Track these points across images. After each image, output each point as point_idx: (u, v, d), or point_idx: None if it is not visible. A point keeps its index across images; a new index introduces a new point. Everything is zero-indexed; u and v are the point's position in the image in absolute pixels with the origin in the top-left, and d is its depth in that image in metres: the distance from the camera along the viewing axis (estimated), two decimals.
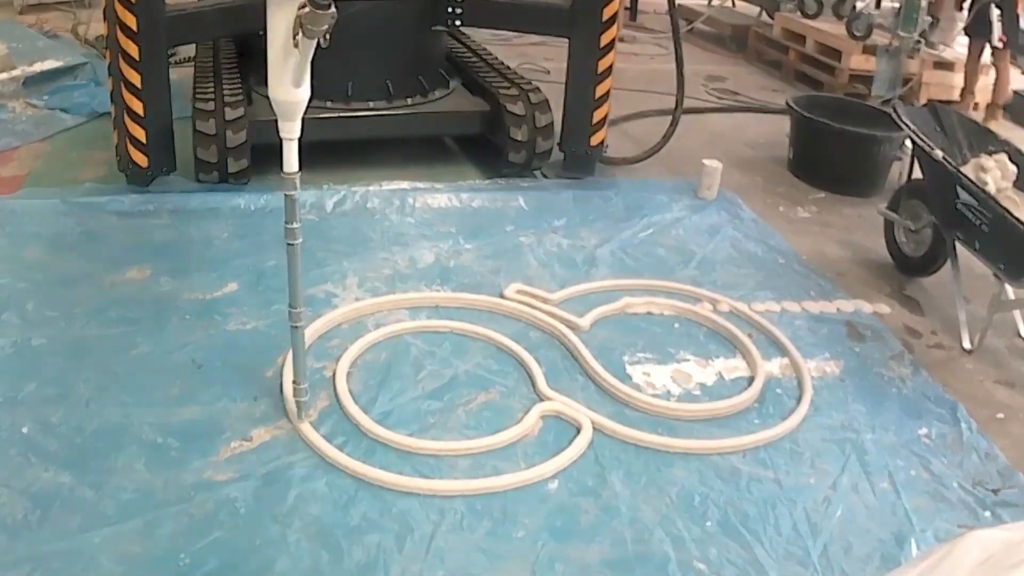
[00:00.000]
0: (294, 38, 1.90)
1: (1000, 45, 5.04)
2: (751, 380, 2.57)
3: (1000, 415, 2.57)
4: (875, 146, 4.10)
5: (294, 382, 2.18)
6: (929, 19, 4.65)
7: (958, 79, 5.55)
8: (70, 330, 2.56)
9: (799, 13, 6.36)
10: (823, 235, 3.72)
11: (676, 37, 4.13)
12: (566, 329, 2.71)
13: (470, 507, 2.01)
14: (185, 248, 3.10)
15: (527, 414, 2.31)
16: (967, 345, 2.88)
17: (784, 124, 4.57)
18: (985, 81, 5.42)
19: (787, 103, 4.37)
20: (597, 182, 3.95)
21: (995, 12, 4.97)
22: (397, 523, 1.95)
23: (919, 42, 4.59)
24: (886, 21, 5.25)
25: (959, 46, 5.69)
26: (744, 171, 4.34)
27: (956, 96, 5.53)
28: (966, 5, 5.39)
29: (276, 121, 4.03)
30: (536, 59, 5.82)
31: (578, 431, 2.27)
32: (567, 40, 3.84)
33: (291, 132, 2.06)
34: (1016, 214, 2.74)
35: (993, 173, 3.04)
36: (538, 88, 3.97)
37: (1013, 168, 3.08)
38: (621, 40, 4.23)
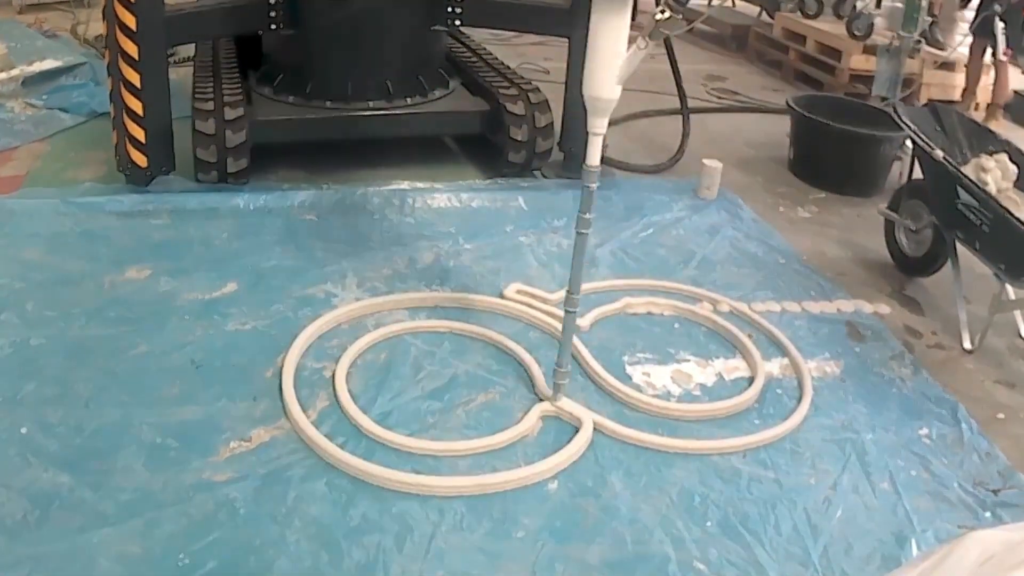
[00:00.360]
0: (641, 39, 2.00)
1: (1004, 58, 5.07)
2: (751, 380, 2.57)
3: (1001, 415, 2.57)
4: (875, 146, 4.10)
5: (558, 365, 2.28)
6: (929, 19, 4.65)
7: (959, 79, 5.55)
8: (69, 330, 2.56)
9: (799, 13, 6.36)
10: (823, 235, 3.72)
11: (680, 86, 4.14)
12: None
13: (470, 507, 2.01)
14: (184, 248, 3.10)
15: (527, 414, 2.30)
16: (968, 345, 2.88)
17: (784, 124, 4.57)
18: (985, 81, 5.42)
19: (787, 103, 4.37)
20: (597, 182, 3.95)
21: (999, 25, 4.99)
22: (397, 523, 1.95)
23: (919, 42, 4.59)
24: (886, 21, 5.25)
25: (961, 46, 5.68)
26: (744, 171, 4.34)
27: (957, 96, 5.53)
28: (971, 4, 5.39)
29: (275, 121, 4.03)
30: (536, 59, 5.81)
31: (577, 430, 2.27)
32: (567, 40, 3.84)
33: (600, 128, 2.13)
34: (1017, 214, 2.73)
35: (994, 173, 3.04)
36: (538, 88, 3.97)
37: (1014, 168, 3.08)
38: None
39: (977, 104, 5.50)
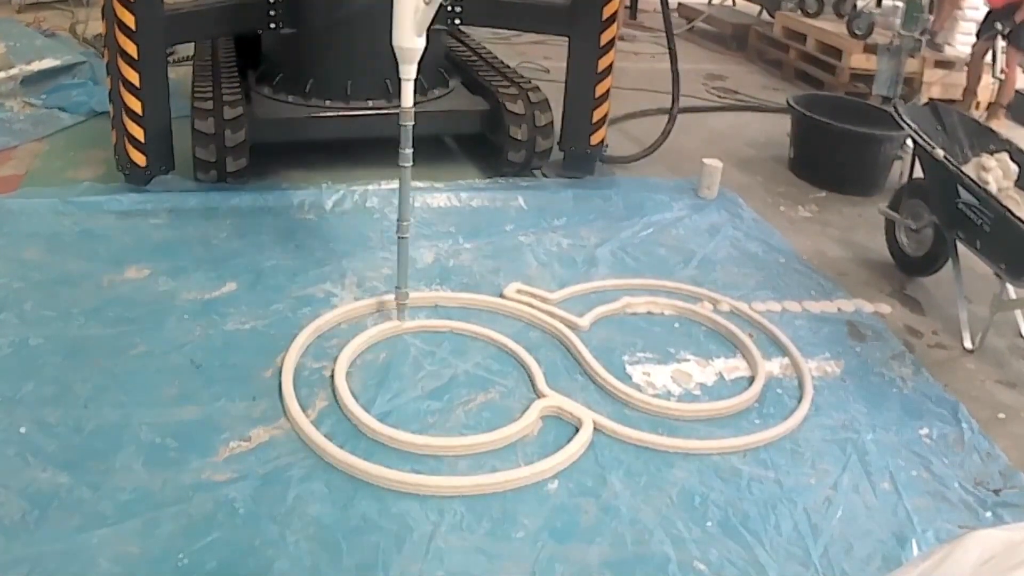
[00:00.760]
0: None
1: (1003, 77, 5.09)
2: (751, 380, 2.57)
3: (1001, 415, 2.56)
4: (876, 145, 4.09)
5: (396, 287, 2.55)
6: (930, 18, 4.65)
7: (959, 78, 5.55)
8: (68, 330, 2.56)
9: (800, 12, 6.35)
10: (824, 234, 3.72)
11: (669, 33, 4.13)
12: (566, 329, 2.71)
13: (470, 507, 2.01)
14: (183, 248, 3.09)
15: (527, 412, 2.30)
16: (968, 345, 2.88)
17: (785, 123, 4.56)
18: (987, 80, 5.41)
19: (788, 102, 4.37)
20: (597, 181, 3.95)
21: (1000, 44, 5.00)
22: (396, 523, 1.95)
23: (920, 41, 4.59)
24: (887, 20, 5.26)
25: (961, 45, 5.68)
26: (744, 170, 4.33)
27: (958, 95, 5.53)
28: (967, 4, 5.40)
29: (275, 120, 4.04)
30: (536, 58, 5.81)
31: (578, 430, 2.26)
32: (567, 39, 3.83)
33: (409, 74, 2.46)
34: (1018, 213, 2.73)
35: (994, 172, 3.04)
36: (538, 87, 3.96)
37: (1014, 167, 3.07)
38: (621, 39, 4.22)
39: (978, 103, 5.50)
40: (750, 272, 3.28)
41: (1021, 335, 2.98)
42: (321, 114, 3.76)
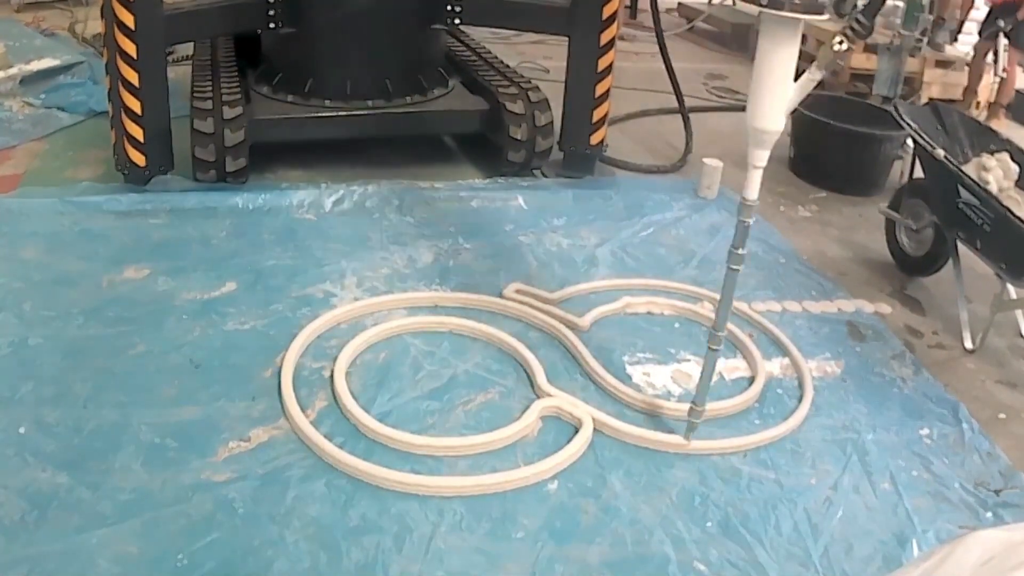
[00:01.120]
0: (813, 69, 1.91)
1: (1004, 76, 5.08)
2: (751, 380, 2.56)
3: (1002, 415, 2.56)
4: (876, 145, 4.09)
5: (693, 403, 2.17)
6: (930, 17, 4.65)
7: (959, 77, 5.54)
8: (67, 330, 2.55)
9: None
10: (824, 234, 3.71)
11: (661, 42, 4.15)
12: (566, 329, 2.70)
13: (469, 508, 2.00)
14: (183, 247, 3.09)
15: (527, 412, 2.30)
16: (969, 345, 2.87)
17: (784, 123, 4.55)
18: (988, 80, 5.41)
19: None
20: (597, 181, 3.94)
21: (1002, 42, 4.99)
22: (396, 523, 1.94)
23: (920, 40, 4.58)
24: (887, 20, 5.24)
25: (962, 44, 5.68)
26: (745, 170, 4.31)
27: (958, 95, 5.52)
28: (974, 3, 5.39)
29: (274, 120, 4.03)
30: (535, 58, 5.81)
31: (577, 430, 2.26)
32: (567, 38, 3.83)
33: (761, 161, 2.03)
34: (1018, 213, 2.72)
35: (995, 172, 3.03)
36: (537, 87, 3.96)
37: (1015, 167, 3.07)
38: (621, 39, 4.22)
39: (978, 103, 5.49)
40: (750, 272, 3.27)
41: (1021, 335, 2.98)
42: (321, 114, 3.75)
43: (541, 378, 2.44)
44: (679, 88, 4.32)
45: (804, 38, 1.93)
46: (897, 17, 4.49)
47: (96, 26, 4.44)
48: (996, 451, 2.36)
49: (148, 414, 2.22)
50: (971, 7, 5.41)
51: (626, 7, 7.54)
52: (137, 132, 3.34)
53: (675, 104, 4.45)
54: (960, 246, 2.99)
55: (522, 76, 4.13)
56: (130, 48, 3.22)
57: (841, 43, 1.82)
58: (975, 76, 5.37)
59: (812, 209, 3.97)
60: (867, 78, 5.62)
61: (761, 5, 1.84)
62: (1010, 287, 2.85)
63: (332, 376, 2.39)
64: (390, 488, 2.04)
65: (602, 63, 3.74)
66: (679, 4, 8.04)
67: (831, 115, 4.16)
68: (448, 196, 3.64)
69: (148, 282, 2.84)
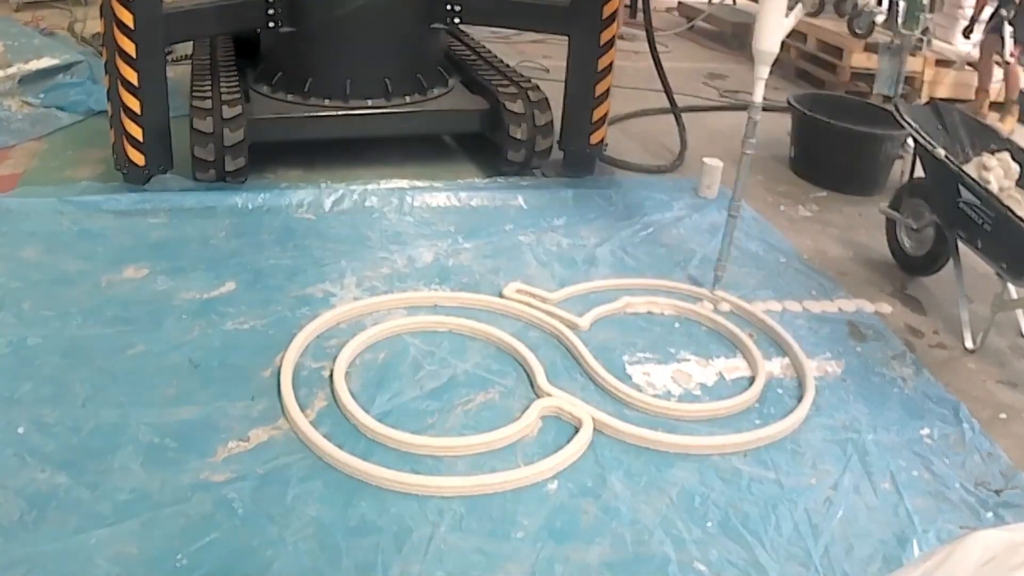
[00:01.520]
0: (800, 5, 2.65)
1: (1012, 60, 5.05)
2: (752, 380, 2.56)
3: (1003, 415, 2.55)
4: (877, 144, 4.08)
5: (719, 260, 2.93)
6: (931, 17, 4.63)
7: (960, 76, 5.52)
8: (66, 329, 2.55)
9: None
10: (824, 234, 3.71)
11: (651, 41, 4.17)
12: (566, 329, 2.70)
13: (469, 508, 2.00)
14: (182, 247, 3.09)
15: (527, 411, 2.29)
16: (969, 345, 2.87)
17: (785, 122, 4.55)
18: (997, 75, 5.37)
19: (788, 101, 4.36)
20: (597, 181, 3.94)
21: (1008, 29, 4.96)
22: (396, 524, 1.94)
23: (921, 39, 4.57)
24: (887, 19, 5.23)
25: (962, 44, 5.66)
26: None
27: (958, 94, 5.50)
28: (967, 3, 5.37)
29: (273, 119, 4.04)
30: (535, 57, 5.80)
31: (577, 430, 2.26)
32: (567, 38, 3.82)
33: (763, 74, 2.74)
34: (1019, 213, 2.72)
35: (995, 172, 3.03)
36: (537, 86, 3.96)
37: (1016, 167, 3.06)
38: (621, 38, 4.21)
39: (989, 103, 5.46)
40: (750, 272, 3.27)
41: (1022, 335, 2.98)
42: (320, 113, 3.75)
43: (541, 378, 2.43)
44: (669, 87, 4.32)
45: None
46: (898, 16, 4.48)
47: (95, 25, 4.44)
48: (997, 451, 2.35)
49: (147, 414, 2.22)
50: (984, 4, 5.36)
51: (626, 6, 7.53)
52: (136, 131, 3.34)
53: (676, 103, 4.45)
54: (961, 246, 2.98)
55: (522, 75, 4.12)
56: (129, 47, 3.21)
57: None
58: (985, 74, 5.32)
59: (813, 208, 3.97)
60: (868, 77, 5.62)
61: None
62: (1011, 287, 2.85)
63: (332, 376, 2.39)
64: (390, 488, 2.03)
65: (602, 62, 3.74)
66: (679, 3, 8.03)
67: (832, 114, 4.15)
68: (448, 196, 3.64)
69: (147, 282, 2.84)
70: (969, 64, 5.44)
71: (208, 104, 3.45)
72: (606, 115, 3.86)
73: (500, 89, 3.88)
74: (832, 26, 5.97)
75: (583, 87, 3.78)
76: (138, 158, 3.38)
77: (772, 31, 2.65)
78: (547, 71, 5.42)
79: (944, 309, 3.11)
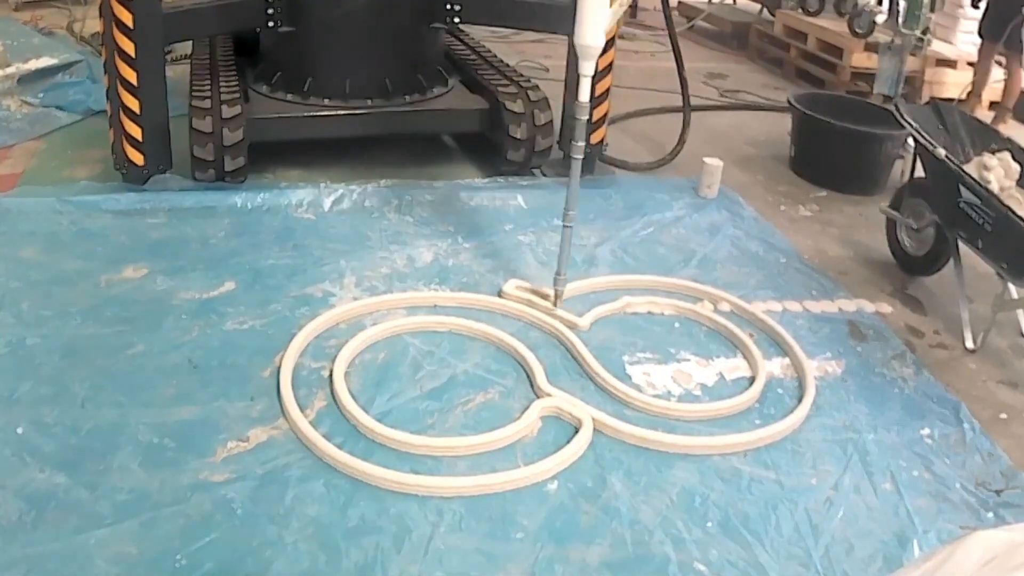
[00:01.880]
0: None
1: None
2: (752, 380, 2.56)
3: (1003, 415, 2.55)
4: (877, 144, 4.08)
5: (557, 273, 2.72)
6: (931, 16, 4.62)
7: (961, 76, 5.51)
8: (65, 329, 2.54)
9: (800, 10, 6.34)
10: (824, 234, 3.70)
11: (673, 38, 4.13)
12: (565, 328, 2.70)
13: (469, 508, 2.00)
14: (181, 247, 3.08)
15: (527, 411, 2.29)
16: (970, 345, 2.87)
17: (785, 122, 4.55)
18: (958, 77, 5.34)
19: (788, 101, 4.35)
20: (597, 180, 3.93)
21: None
22: (395, 524, 1.94)
23: (921, 39, 4.57)
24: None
25: (962, 44, 5.65)
26: (745, 169, 4.32)
27: (959, 94, 5.49)
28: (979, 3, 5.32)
29: (273, 119, 4.04)
30: (535, 56, 5.80)
31: (577, 430, 2.25)
32: (566, 37, 3.81)
33: (589, 71, 2.54)
34: (1020, 213, 2.72)
35: (996, 171, 3.02)
36: (537, 86, 3.95)
37: (1016, 166, 3.06)
38: (621, 37, 4.21)
39: (979, 105, 5.46)
40: (751, 271, 3.27)
41: (1023, 334, 2.97)
42: (320, 113, 3.74)
43: (541, 378, 2.43)
44: (687, 87, 4.28)
45: None
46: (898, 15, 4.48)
47: (94, 25, 4.44)
48: (997, 451, 2.35)
49: (146, 414, 2.21)
50: None
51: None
52: (135, 131, 3.33)
53: (676, 103, 4.44)
54: (961, 245, 2.98)
55: (522, 75, 4.12)
56: (128, 47, 3.21)
57: None
58: (980, 79, 5.29)
59: (813, 208, 3.96)
60: (868, 77, 5.62)
61: None
62: (1011, 286, 2.84)
63: (331, 376, 2.39)
64: (389, 488, 2.03)
65: (602, 62, 3.72)
66: (679, 3, 8.02)
67: (832, 114, 4.15)
68: (447, 195, 3.64)
69: (146, 282, 2.83)
70: (972, 65, 5.43)
71: (207, 104, 3.44)
72: (606, 115, 3.85)
73: (500, 89, 3.88)
74: (832, 26, 5.97)
75: None
76: (137, 158, 3.38)
77: (594, 23, 2.45)
78: (547, 70, 5.41)
79: (945, 309, 3.11)
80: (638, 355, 2.65)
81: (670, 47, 4.19)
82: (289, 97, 3.81)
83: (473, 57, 4.42)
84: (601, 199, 3.76)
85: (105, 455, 2.07)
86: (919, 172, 3.23)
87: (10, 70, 4.56)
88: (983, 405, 2.57)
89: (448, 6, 3.91)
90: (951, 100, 5.07)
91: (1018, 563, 1.01)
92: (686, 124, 4.23)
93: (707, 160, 3.90)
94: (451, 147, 4.26)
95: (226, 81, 3.68)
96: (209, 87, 3.61)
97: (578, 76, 2.53)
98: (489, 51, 4.52)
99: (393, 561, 1.84)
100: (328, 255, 3.09)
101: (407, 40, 3.93)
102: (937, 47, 5.40)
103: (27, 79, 4.53)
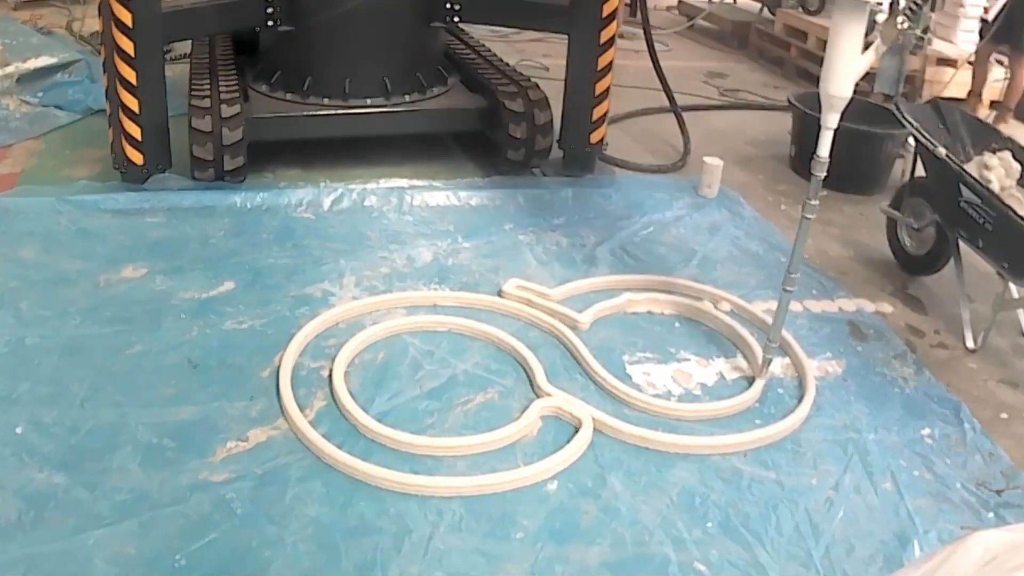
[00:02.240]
0: (879, 42, 2.24)
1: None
2: (752, 380, 2.55)
3: (1004, 415, 2.55)
4: (877, 143, 4.08)
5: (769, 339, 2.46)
6: (932, 15, 4.60)
7: (961, 76, 5.50)
8: (64, 329, 2.54)
9: (801, 9, 6.33)
10: (825, 233, 3.70)
11: (649, 42, 4.15)
12: (565, 328, 2.69)
13: (469, 508, 1.99)
14: (181, 246, 3.08)
15: (527, 411, 2.29)
16: (970, 344, 2.86)
17: (786, 121, 4.54)
18: (994, 76, 5.33)
19: (789, 100, 4.35)
20: (596, 180, 3.93)
21: None
22: (395, 524, 1.93)
23: (922, 38, 4.55)
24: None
25: (964, 43, 5.63)
26: (745, 168, 4.31)
27: (959, 94, 5.48)
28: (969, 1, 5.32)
29: (272, 118, 4.03)
30: (535, 56, 5.79)
31: (577, 430, 2.25)
32: (566, 36, 3.81)
33: (833, 123, 2.30)
34: (1020, 212, 2.71)
35: (996, 171, 3.02)
36: (537, 85, 3.95)
37: (1017, 166, 3.06)
38: (621, 36, 4.20)
39: (981, 104, 5.45)
40: (751, 271, 3.26)
41: (1023, 334, 2.97)
42: (319, 112, 3.74)
43: (541, 378, 2.43)
44: (668, 87, 4.30)
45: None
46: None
47: (94, 24, 4.43)
48: (998, 451, 2.35)
49: (146, 414, 2.21)
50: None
51: (626, 5, 7.51)
52: (135, 130, 3.33)
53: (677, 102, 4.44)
54: (962, 245, 2.98)
55: (521, 74, 4.11)
56: (128, 46, 3.21)
57: (903, 22, 2.14)
58: (980, 80, 5.27)
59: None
60: (869, 76, 5.60)
61: None
62: (1012, 286, 2.84)
63: (331, 376, 2.38)
64: (389, 488, 2.03)
65: (602, 61, 3.73)
66: (680, 2, 8.02)
67: None
68: (447, 195, 3.63)
69: (146, 281, 2.83)
70: (971, 64, 5.42)
71: (207, 103, 3.44)
72: (606, 114, 3.85)
73: (499, 88, 3.87)
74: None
75: (583, 86, 3.77)
76: (136, 157, 3.38)
77: (845, 72, 2.18)
78: (547, 70, 5.41)
79: (945, 309, 3.11)
80: (638, 355, 2.64)
81: (669, 47, 4.19)
82: (288, 96, 3.81)
83: (473, 56, 4.42)
84: (601, 198, 3.75)
85: (104, 455, 2.06)
86: (920, 171, 3.22)
87: (9, 69, 4.55)
88: (984, 405, 2.57)
89: (448, 5, 3.91)
90: (955, 99, 5.05)
91: (1018, 563, 1.01)
92: (682, 126, 4.23)
93: (707, 159, 3.89)
94: (451, 146, 4.25)
95: (225, 80, 3.68)
96: (208, 86, 3.61)
97: (819, 127, 2.29)
98: (489, 50, 4.52)
99: (393, 561, 1.84)
100: (328, 255, 3.09)
101: (407, 39, 3.92)
102: (937, 46, 5.39)
103: (26, 78, 4.52)
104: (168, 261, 2.95)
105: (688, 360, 2.64)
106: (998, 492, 2.20)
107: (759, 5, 7.11)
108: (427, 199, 3.59)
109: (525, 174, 3.91)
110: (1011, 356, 2.86)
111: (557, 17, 3.84)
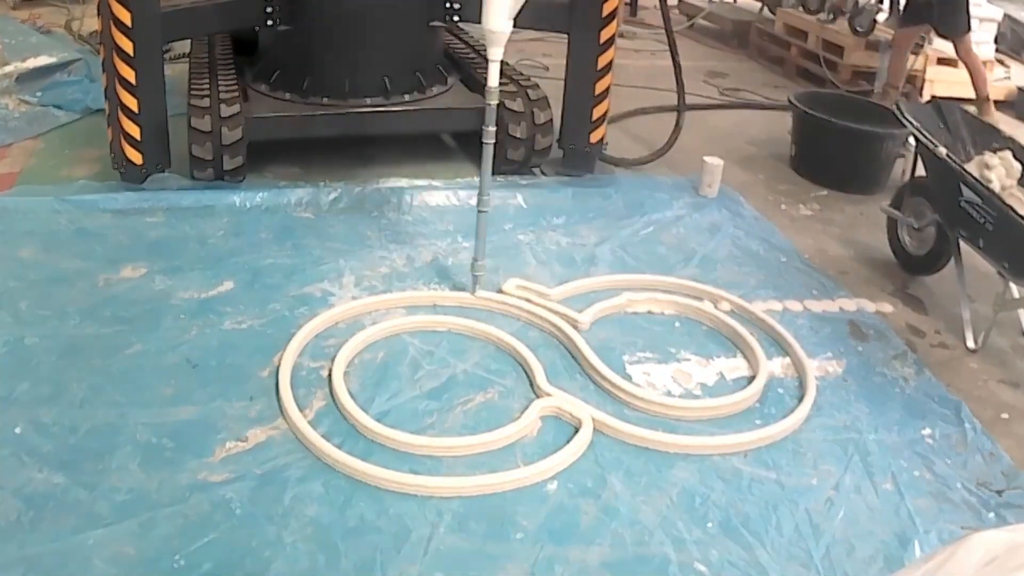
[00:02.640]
0: None
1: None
2: (752, 380, 2.55)
3: (1005, 415, 2.54)
4: (878, 143, 4.07)
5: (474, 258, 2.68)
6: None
7: (961, 74, 5.49)
8: (63, 329, 2.54)
9: (801, 9, 6.33)
10: (825, 233, 3.70)
11: (670, 37, 4.11)
12: (566, 327, 2.69)
13: (468, 508, 1.99)
14: (180, 246, 3.07)
15: (527, 411, 2.28)
16: (971, 344, 2.86)
17: (786, 121, 4.54)
18: (959, 76, 5.28)
19: (789, 100, 4.34)
20: (597, 179, 3.93)
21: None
22: (395, 524, 1.93)
23: (922, 38, 4.55)
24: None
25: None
26: (745, 168, 4.31)
27: (959, 92, 5.47)
28: None
29: (272, 117, 4.04)
30: (535, 55, 5.78)
31: (577, 430, 2.25)
32: (566, 36, 3.81)
33: (497, 56, 2.59)
34: (1021, 212, 2.71)
35: (997, 170, 3.02)
36: (537, 84, 3.94)
37: (1017, 165, 3.05)
38: (621, 36, 4.20)
39: (906, 95, 5.33)
40: (751, 271, 3.26)
41: None
42: (319, 112, 3.73)
43: (541, 378, 2.42)
44: (683, 87, 4.28)
45: None
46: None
47: (93, 23, 4.42)
48: (999, 451, 2.34)
49: (145, 414, 2.21)
50: None
51: (626, 4, 7.52)
52: (134, 130, 3.32)
53: (675, 102, 4.42)
54: (962, 245, 2.97)
55: (521, 74, 4.11)
56: (127, 45, 3.20)
57: None
58: (897, 70, 5.08)
59: (813, 207, 3.96)
60: (869, 75, 5.61)
61: None
62: (1013, 286, 2.84)
63: (330, 376, 2.38)
64: (389, 488, 2.02)
65: (602, 61, 3.72)
66: (680, 1, 8.01)
67: (833, 113, 4.14)
68: (447, 195, 3.63)
69: (145, 281, 2.82)
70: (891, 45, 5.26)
71: (206, 102, 3.43)
72: (606, 113, 3.84)
73: (499, 87, 3.86)
74: (833, 24, 5.96)
75: (583, 85, 3.76)
76: (136, 157, 3.37)
77: (499, 10, 2.47)
78: (547, 69, 5.40)
79: (946, 308, 3.10)
80: (638, 355, 2.64)
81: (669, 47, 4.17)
82: (288, 96, 3.80)
83: (473, 56, 4.41)
84: (601, 198, 3.75)
85: (103, 455, 2.06)
86: (920, 171, 3.22)
87: (8, 69, 4.55)
88: (984, 405, 2.57)
89: (448, 4, 3.90)
90: (952, 99, 5.04)
91: (1019, 564, 1.00)
92: (678, 124, 4.20)
93: (707, 159, 3.89)
94: (450, 146, 4.25)
95: (225, 80, 3.67)
96: (208, 86, 3.60)
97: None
98: None
99: (392, 561, 1.83)
100: (327, 254, 3.08)
101: (406, 39, 3.92)
102: (938, 45, 5.39)
103: (25, 78, 4.52)
104: (167, 261, 2.95)
105: (688, 360, 2.64)
106: (999, 492, 2.20)
107: (759, 4, 7.10)
108: (427, 199, 3.58)
109: (525, 173, 3.91)
110: (1012, 356, 2.86)
111: (557, 16, 3.83)
